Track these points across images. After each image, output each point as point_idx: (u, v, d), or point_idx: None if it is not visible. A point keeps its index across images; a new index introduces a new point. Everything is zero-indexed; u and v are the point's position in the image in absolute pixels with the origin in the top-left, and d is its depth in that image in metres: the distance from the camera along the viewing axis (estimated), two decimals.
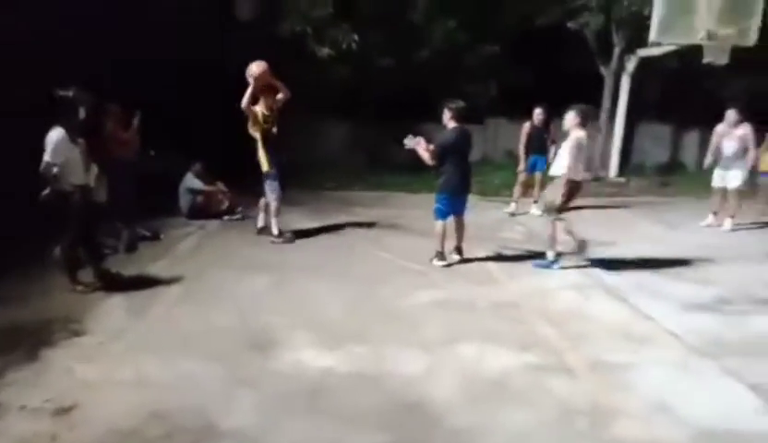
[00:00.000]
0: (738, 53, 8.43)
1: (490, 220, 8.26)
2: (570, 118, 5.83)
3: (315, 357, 3.74)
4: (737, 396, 3.41)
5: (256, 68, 6.24)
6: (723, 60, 8.42)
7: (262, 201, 6.84)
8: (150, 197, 6.94)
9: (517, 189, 8.89)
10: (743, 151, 7.71)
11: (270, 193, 6.60)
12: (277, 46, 9.85)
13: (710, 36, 8.31)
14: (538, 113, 8.68)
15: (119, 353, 3.77)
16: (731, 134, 7.73)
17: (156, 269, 5.58)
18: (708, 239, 7.43)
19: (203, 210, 7.84)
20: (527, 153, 8.71)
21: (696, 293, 5.23)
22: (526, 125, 8.70)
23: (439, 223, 5.82)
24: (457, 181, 5.73)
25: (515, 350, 3.93)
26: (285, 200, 6.97)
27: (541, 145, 8.69)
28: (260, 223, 6.95)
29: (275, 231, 6.69)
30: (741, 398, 3.38)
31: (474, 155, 13.55)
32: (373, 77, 12.16)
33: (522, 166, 8.78)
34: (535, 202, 8.71)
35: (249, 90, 6.21)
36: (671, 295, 5.14)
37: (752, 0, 8.38)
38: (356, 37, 11.31)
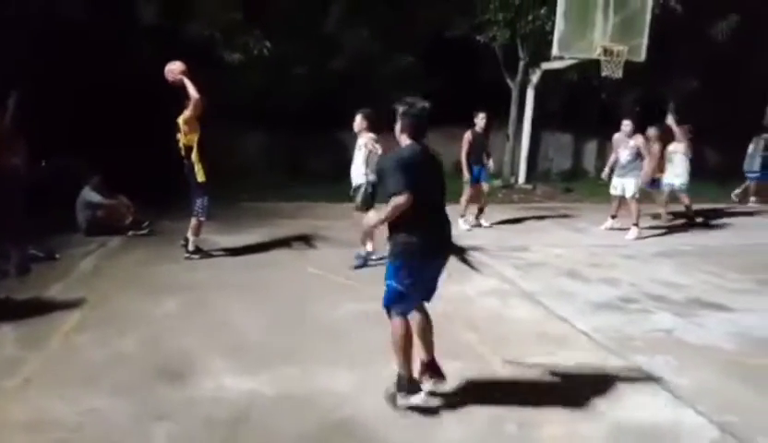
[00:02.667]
0: (630, 67, 9.17)
1: None
2: (359, 122, 6.06)
3: (237, 382, 3.54)
4: (646, 391, 3.63)
5: (179, 64, 5.88)
6: (618, 74, 9.14)
7: (195, 220, 6.26)
8: (42, 213, 6.33)
9: (464, 201, 8.25)
10: (637, 160, 8.31)
11: (202, 206, 6.16)
12: (183, 50, 9.43)
13: (606, 52, 9.00)
14: (482, 117, 8.17)
15: (12, 391, 3.37)
16: (626, 143, 8.35)
17: (52, 292, 5.09)
18: (611, 241, 7.95)
19: (104, 226, 7.26)
20: (470, 163, 8.14)
21: (603, 293, 5.56)
22: (468, 134, 8.14)
23: (398, 323, 3.22)
24: (425, 235, 3.14)
25: (442, 358, 3.95)
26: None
27: (484, 153, 8.30)
28: (195, 245, 6.38)
29: (192, 247, 6.32)
30: (650, 392, 3.61)
31: None
32: (287, 84, 11.96)
33: (466, 177, 8.17)
34: (482, 211, 8.51)
35: (188, 81, 5.81)
36: (581, 296, 5.43)
37: (641, 20, 9.19)
38: (268, 43, 11.07)
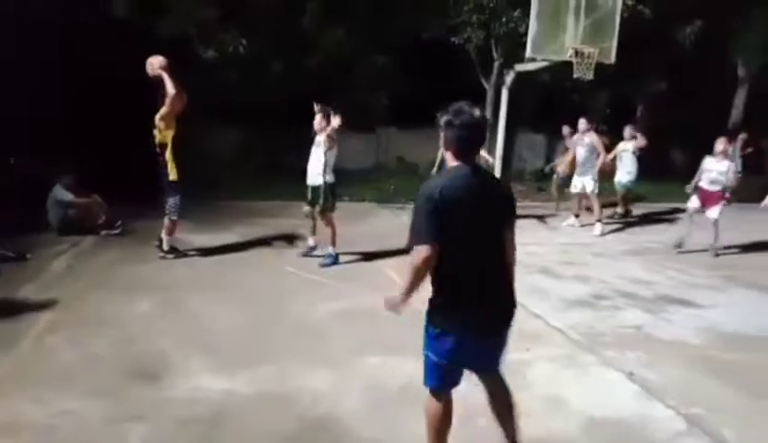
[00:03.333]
0: (601, 70, 9.38)
1: (387, 225, 8.38)
2: (318, 120, 6.17)
3: (213, 382, 3.53)
4: (617, 385, 3.74)
5: (161, 58, 5.79)
6: (589, 75, 9.33)
7: (167, 220, 6.16)
8: (12, 212, 6.17)
9: None
10: (593, 156, 8.54)
11: (174, 205, 6.05)
12: (158, 46, 9.27)
13: (577, 54, 9.18)
14: None
15: None
16: (582, 141, 8.56)
17: (24, 293, 4.98)
18: (582, 240, 8.13)
19: (76, 225, 7.12)
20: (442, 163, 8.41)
21: (575, 290, 5.69)
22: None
23: (433, 405, 2.66)
24: (470, 300, 2.43)
25: (417, 356, 3.97)
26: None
27: None
28: (170, 245, 6.29)
29: (167, 246, 6.23)
30: (621, 386, 3.72)
31: (367, 162, 13.86)
32: (263, 82, 11.87)
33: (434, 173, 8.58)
34: None
35: (167, 76, 5.70)
36: (554, 294, 5.55)
37: (611, 23, 9.40)
38: (244, 41, 10.97)
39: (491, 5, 11.60)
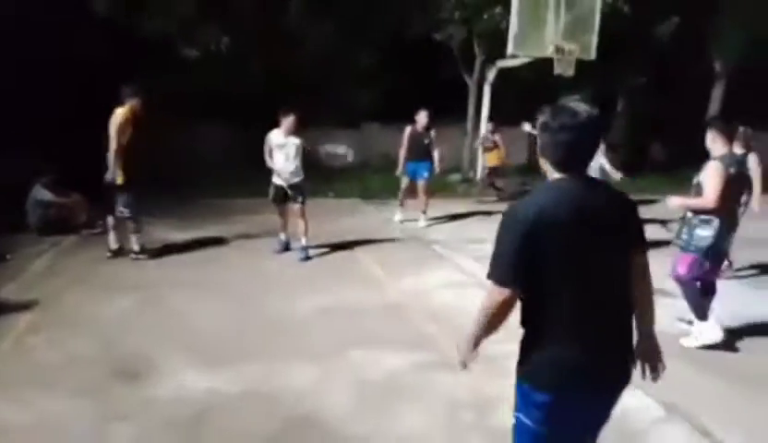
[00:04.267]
0: (581, 66, 9.49)
1: (372, 221, 8.40)
2: (293, 122, 6.24)
3: (198, 380, 3.53)
4: None
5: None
6: (569, 72, 9.43)
7: (110, 219, 6.08)
8: None
9: (401, 195, 8.46)
10: None
11: (126, 205, 5.91)
12: (140, 45, 9.19)
13: (558, 50, 9.27)
14: (423, 115, 8.12)
15: None
16: None
17: (4, 294, 4.93)
18: None
19: (57, 225, 7.03)
20: (406, 158, 8.20)
21: None
22: (407, 129, 8.21)
23: None
24: (571, 348, 1.87)
25: (402, 350, 4.03)
26: (157, 211, 6.49)
27: (423, 150, 8.17)
28: (115, 244, 6.19)
29: (136, 247, 6.14)
30: None
31: (353, 158, 13.85)
32: (246, 80, 11.80)
33: (400, 170, 8.34)
34: (423, 212, 8.41)
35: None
36: None
37: (591, 20, 9.51)
38: (226, 39, 10.90)
39: (472, 2, 11.65)
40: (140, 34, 9.67)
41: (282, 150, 6.27)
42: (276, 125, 6.33)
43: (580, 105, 1.88)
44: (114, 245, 6.17)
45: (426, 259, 6.45)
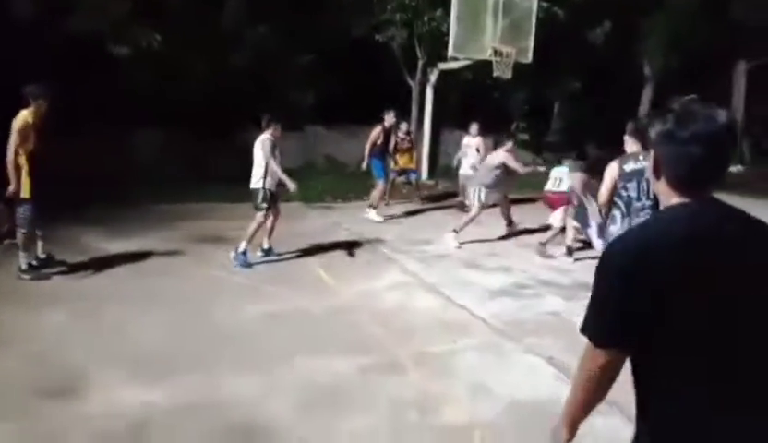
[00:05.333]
0: (519, 68, 9.81)
1: (316, 225, 8.33)
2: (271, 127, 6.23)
3: (133, 395, 3.38)
4: (537, 369, 3.93)
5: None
6: (507, 74, 9.72)
7: (20, 234, 5.46)
8: None
9: (376, 195, 8.77)
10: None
11: (23, 219, 5.36)
12: (66, 44, 8.72)
13: (496, 53, 9.54)
14: (392, 116, 8.71)
15: None
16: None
17: None
18: (503, 232, 8.42)
19: None
20: (371, 156, 8.65)
21: (499, 281, 5.91)
22: (378, 129, 8.63)
23: None
24: (711, 425, 1.33)
25: (348, 354, 4.02)
26: (87, 218, 6.17)
27: (384, 149, 8.78)
28: (27, 262, 5.53)
29: (24, 264, 5.49)
30: (541, 370, 3.91)
31: (296, 161, 13.71)
32: (182, 80, 11.44)
33: (364, 166, 8.79)
34: (371, 206, 8.70)
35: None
36: (479, 285, 5.74)
37: (527, 24, 9.84)
38: (158, 36, 10.53)
39: (413, 4, 11.81)
40: (67, 34, 9.20)
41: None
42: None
43: (715, 109, 1.39)
44: (25, 263, 5.51)
45: (373, 262, 6.46)
